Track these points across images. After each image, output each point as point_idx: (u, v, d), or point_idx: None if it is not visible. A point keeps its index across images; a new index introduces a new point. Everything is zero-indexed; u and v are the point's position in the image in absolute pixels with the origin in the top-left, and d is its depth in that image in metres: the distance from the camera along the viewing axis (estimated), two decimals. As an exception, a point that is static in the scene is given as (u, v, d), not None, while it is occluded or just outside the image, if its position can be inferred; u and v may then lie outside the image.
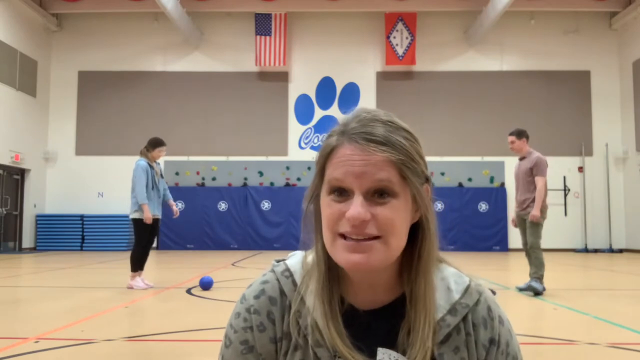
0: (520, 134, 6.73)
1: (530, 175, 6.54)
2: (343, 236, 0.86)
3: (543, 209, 6.46)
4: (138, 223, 6.70)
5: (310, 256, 0.96)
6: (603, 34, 17.03)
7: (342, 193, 0.87)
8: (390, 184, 0.85)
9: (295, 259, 1.00)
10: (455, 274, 0.96)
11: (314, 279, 0.93)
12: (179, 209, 7.46)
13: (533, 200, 6.46)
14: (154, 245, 16.28)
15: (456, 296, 0.93)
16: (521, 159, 6.78)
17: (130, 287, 6.64)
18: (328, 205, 0.88)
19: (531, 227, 6.48)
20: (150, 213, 6.60)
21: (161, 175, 7.06)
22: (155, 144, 6.93)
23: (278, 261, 1.01)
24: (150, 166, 6.83)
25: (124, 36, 17.17)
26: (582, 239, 16.54)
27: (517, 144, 6.74)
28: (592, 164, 16.72)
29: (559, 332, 4.19)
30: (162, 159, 16.26)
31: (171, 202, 7.20)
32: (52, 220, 16.22)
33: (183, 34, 16.43)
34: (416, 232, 0.92)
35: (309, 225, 0.96)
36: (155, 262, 12.04)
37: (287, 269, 0.98)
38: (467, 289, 0.94)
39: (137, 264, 6.70)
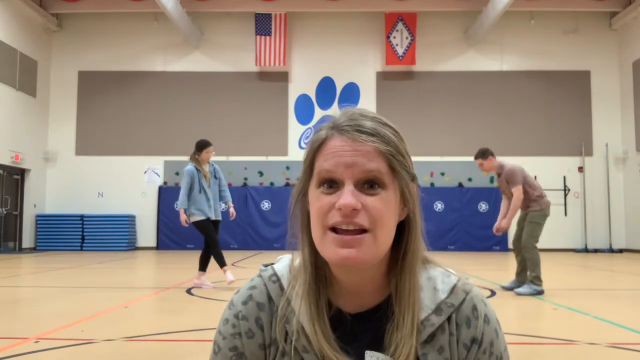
0: (484, 154, 6.57)
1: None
2: (333, 231, 0.85)
3: (545, 206, 6.38)
4: (197, 225, 6.71)
5: (298, 259, 0.95)
6: (603, 34, 17.02)
7: (331, 185, 0.86)
8: (380, 174, 0.85)
9: (282, 263, 0.99)
10: (443, 273, 0.95)
11: (300, 282, 0.92)
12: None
13: (530, 200, 6.40)
14: (154, 244, 16.48)
15: (442, 296, 0.92)
16: (498, 174, 6.65)
17: (231, 282, 6.59)
18: (317, 199, 0.87)
19: (529, 225, 6.35)
20: (185, 216, 6.65)
21: (215, 176, 6.90)
22: (201, 146, 6.78)
23: (266, 265, 1.00)
24: (198, 170, 6.72)
25: (124, 36, 17.16)
26: (582, 239, 16.54)
27: (485, 165, 6.61)
28: (592, 164, 16.71)
29: (558, 332, 4.19)
30: (163, 160, 16.58)
31: (229, 202, 7.04)
32: (52, 220, 16.22)
33: (183, 34, 16.42)
34: (403, 230, 0.92)
35: (295, 226, 0.95)
36: (155, 262, 12.04)
37: (274, 274, 0.97)
38: (453, 289, 0.93)
39: (220, 260, 6.67)
